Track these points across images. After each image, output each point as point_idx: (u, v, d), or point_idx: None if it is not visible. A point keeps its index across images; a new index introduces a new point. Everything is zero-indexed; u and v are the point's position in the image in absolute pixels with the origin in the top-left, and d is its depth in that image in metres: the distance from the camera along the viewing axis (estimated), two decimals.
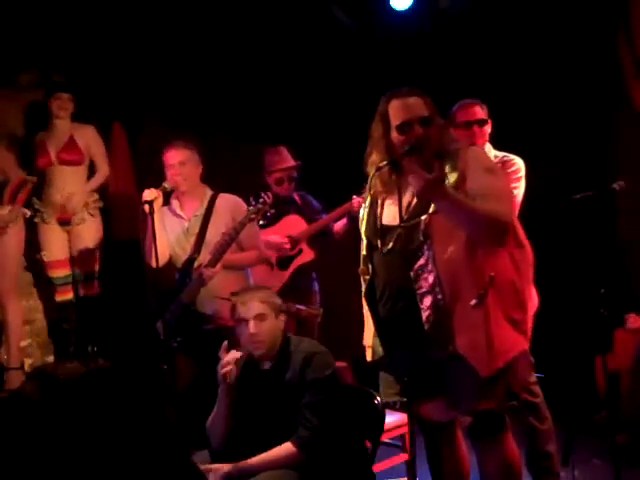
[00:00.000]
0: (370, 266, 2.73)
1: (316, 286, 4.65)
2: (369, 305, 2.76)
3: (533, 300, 3.10)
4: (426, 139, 2.59)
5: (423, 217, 2.54)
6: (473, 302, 2.48)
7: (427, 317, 2.52)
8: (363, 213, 2.81)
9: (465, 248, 2.51)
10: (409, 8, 5.10)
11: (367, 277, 2.74)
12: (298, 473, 2.69)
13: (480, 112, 3.54)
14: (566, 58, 5.11)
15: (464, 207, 2.47)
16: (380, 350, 2.73)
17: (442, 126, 2.67)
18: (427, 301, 2.53)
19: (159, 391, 3.98)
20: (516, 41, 5.11)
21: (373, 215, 2.74)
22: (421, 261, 2.54)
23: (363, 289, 2.77)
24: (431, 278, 2.52)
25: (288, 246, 4.44)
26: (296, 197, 4.68)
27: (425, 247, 2.53)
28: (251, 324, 2.83)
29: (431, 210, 2.53)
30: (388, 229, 2.63)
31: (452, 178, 2.54)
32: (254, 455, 2.75)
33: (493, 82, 4.92)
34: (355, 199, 4.29)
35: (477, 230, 2.51)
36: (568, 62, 5.11)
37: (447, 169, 2.56)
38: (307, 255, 4.56)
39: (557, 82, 5.17)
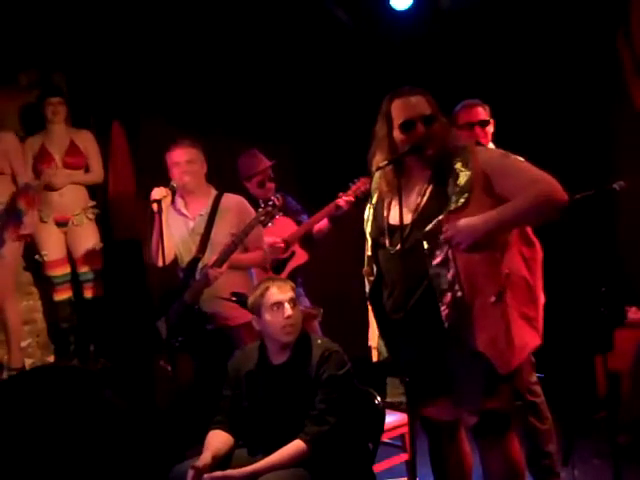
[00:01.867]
0: (375, 267, 2.72)
1: (301, 291, 4.61)
2: (373, 306, 2.75)
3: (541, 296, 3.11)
4: (429, 137, 2.59)
5: (440, 217, 2.53)
6: (492, 299, 2.49)
7: (447, 315, 2.52)
8: (368, 214, 2.81)
9: (482, 246, 2.51)
10: (409, 8, 5.10)
11: (371, 278, 2.74)
12: (308, 473, 2.69)
13: (483, 113, 3.54)
14: (566, 58, 5.11)
15: (512, 217, 2.51)
16: (385, 351, 2.73)
17: (445, 124, 2.66)
18: (446, 298, 2.53)
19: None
20: (516, 41, 5.12)
21: (380, 215, 2.73)
22: (438, 259, 2.54)
23: (367, 290, 2.76)
24: (450, 275, 2.52)
25: (282, 245, 4.40)
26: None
27: (443, 246, 2.53)
28: (287, 307, 2.84)
29: (450, 209, 2.53)
30: (396, 229, 2.61)
31: (464, 177, 2.53)
32: (267, 448, 2.75)
33: (493, 82, 4.92)
34: (342, 197, 4.28)
35: (539, 219, 2.56)
36: (568, 62, 5.12)
37: (457, 166, 2.55)
38: (301, 257, 4.52)
39: (557, 82, 5.17)
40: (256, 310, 2.91)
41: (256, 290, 2.95)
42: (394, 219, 2.64)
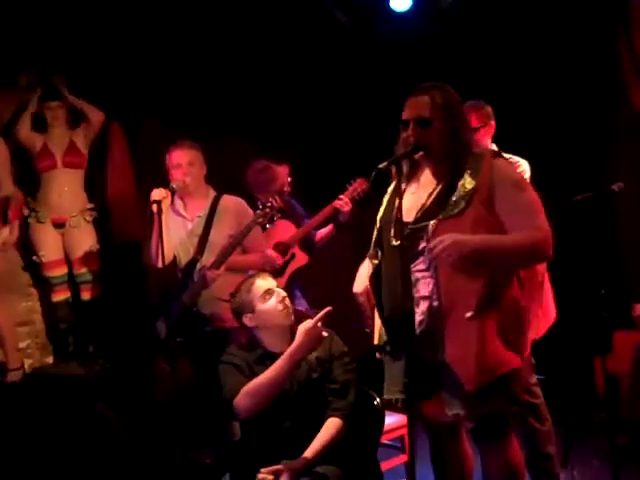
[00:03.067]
0: (379, 252, 2.71)
1: (299, 293, 4.60)
2: (373, 290, 2.72)
3: (550, 314, 3.11)
4: (419, 140, 2.59)
5: (431, 222, 2.53)
6: (468, 314, 2.47)
7: (420, 321, 2.53)
8: (385, 200, 2.80)
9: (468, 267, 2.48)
10: (409, 9, 5.10)
11: (375, 261, 2.73)
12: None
13: (474, 120, 3.48)
14: (566, 58, 5.11)
15: (498, 250, 2.49)
16: (385, 334, 2.70)
17: (448, 128, 2.59)
18: (423, 306, 2.54)
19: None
20: (516, 42, 5.11)
21: (391, 205, 2.71)
22: (422, 265, 2.54)
23: (370, 272, 2.75)
24: (431, 284, 2.52)
25: (279, 260, 4.39)
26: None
27: (427, 252, 2.52)
28: (279, 290, 2.94)
29: (441, 216, 2.52)
30: (401, 224, 2.59)
31: (469, 185, 2.51)
32: (292, 437, 2.75)
33: (493, 83, 4.92)
34: (342, 198, 4.29)
35: (520, 264, 2.55)
36: (568, 62, 5.12)
37: (466, 173, 2.53)
38: (301, 259, 4.52)
39: (557, 82, 5.17)
40: (247, 307, 2.92)
41: (240, 290, 2.98)
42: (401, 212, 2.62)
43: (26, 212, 4.63)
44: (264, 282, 2.96)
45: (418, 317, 2.53)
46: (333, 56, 5.44)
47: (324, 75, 5.50)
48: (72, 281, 4.76)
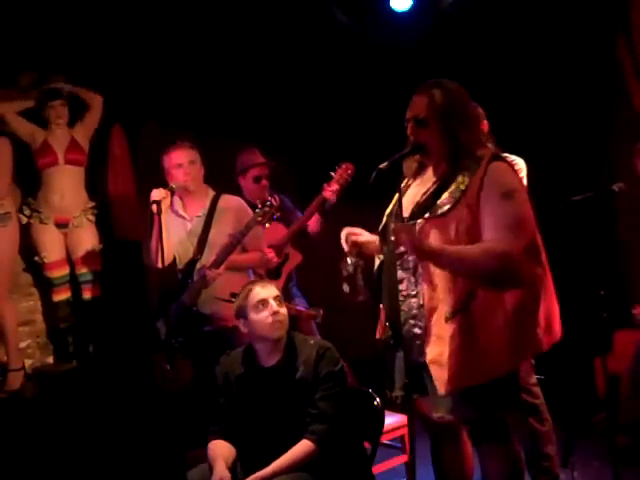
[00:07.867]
0: (384, 247, 2.70)
1: (297, 292, 4.59)
2: (378, 286, 2.71)
3: (553, 332, 3.09)
4: (417, 139, 2.59)
5: (419, 220, 2.53)
6: (446, 316, 2.47)
7: (404, 320, 2.53)
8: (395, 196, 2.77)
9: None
10: (409, 9, 5.10)
11: (381, 257, 2.72)
12: (312, 476, 2.68)
13: None
14: (566, 58, 5.11)
15: (454, 262, 2.45)
16: (389, 331, 2.69)
17: (444, 129, 2.58)
18: (407, 304, 2.55)
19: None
20: (516, 42, 5.12)
21: (399, 200, 2.66)
22: (409, 264, 2.55)
23: (376, 266, 2.74)
24: (414, 282, 2.54)
25: (275, 259, 4.37)
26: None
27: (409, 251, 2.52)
28: (273, 303, 2.84)
29: (427, 215, 2.53)
30: (400, 220, 2.58)
31: (462, 186, 2.50)
32: (267, 454, 2.73)
33: (493, 83, 4.92)
34: (327, 188, 4.29)
35: (480, 276, 2.46)
36: (568, 62, 5.12)
37: (461, 175, 2.52)
38: (295, 259, 4.51)
39: (557, 82, 5.17)
40: (242, 313, 2.90)
41: (240, 294, 2.94)
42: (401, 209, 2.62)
43: (28, 213, 4.62)
44: (262, 290, 2.87)
45: (403, 315, 2.53)
46: (333, 56, 5.44)
47: (324, 75, 5.51)
48: (73, 281, 4.76)
